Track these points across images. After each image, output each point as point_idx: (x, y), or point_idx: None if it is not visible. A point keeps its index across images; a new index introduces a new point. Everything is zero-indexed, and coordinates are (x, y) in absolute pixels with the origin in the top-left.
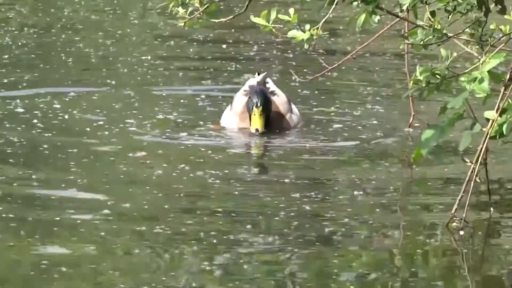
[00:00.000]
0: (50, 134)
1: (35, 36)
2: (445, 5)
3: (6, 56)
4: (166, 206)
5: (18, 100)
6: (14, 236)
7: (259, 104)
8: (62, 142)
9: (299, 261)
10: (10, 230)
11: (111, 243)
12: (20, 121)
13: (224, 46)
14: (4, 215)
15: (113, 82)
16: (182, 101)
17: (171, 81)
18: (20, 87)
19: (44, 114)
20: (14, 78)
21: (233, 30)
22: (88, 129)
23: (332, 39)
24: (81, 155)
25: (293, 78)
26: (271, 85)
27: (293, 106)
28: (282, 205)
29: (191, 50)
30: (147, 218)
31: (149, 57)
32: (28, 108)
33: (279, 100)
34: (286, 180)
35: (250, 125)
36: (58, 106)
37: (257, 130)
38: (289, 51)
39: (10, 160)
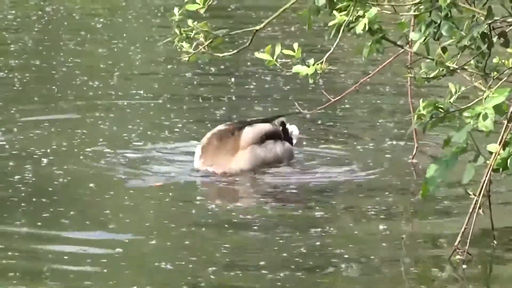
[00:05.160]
0: (57, 168)
1: (33, 69)
2: (458, 42)
3: (8, 88)
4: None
5: (15, 130)
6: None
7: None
8: (72, 173)
9: None
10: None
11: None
12: (26, 154)
13: (232, 79)
14: None
15: (113, 115)
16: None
17: (170, 114)
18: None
19: (49, 145)
20: (15, 108)
21: (238, 63)
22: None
23: (341, 71)
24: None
25: (297, 111)
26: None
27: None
28: (289, 240)
29: (194, 83)
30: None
31: (151, 94)
32: (24, 140)
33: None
34: (295, 213)
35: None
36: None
37: None
38: (292, 84)
39: (19, 209)
